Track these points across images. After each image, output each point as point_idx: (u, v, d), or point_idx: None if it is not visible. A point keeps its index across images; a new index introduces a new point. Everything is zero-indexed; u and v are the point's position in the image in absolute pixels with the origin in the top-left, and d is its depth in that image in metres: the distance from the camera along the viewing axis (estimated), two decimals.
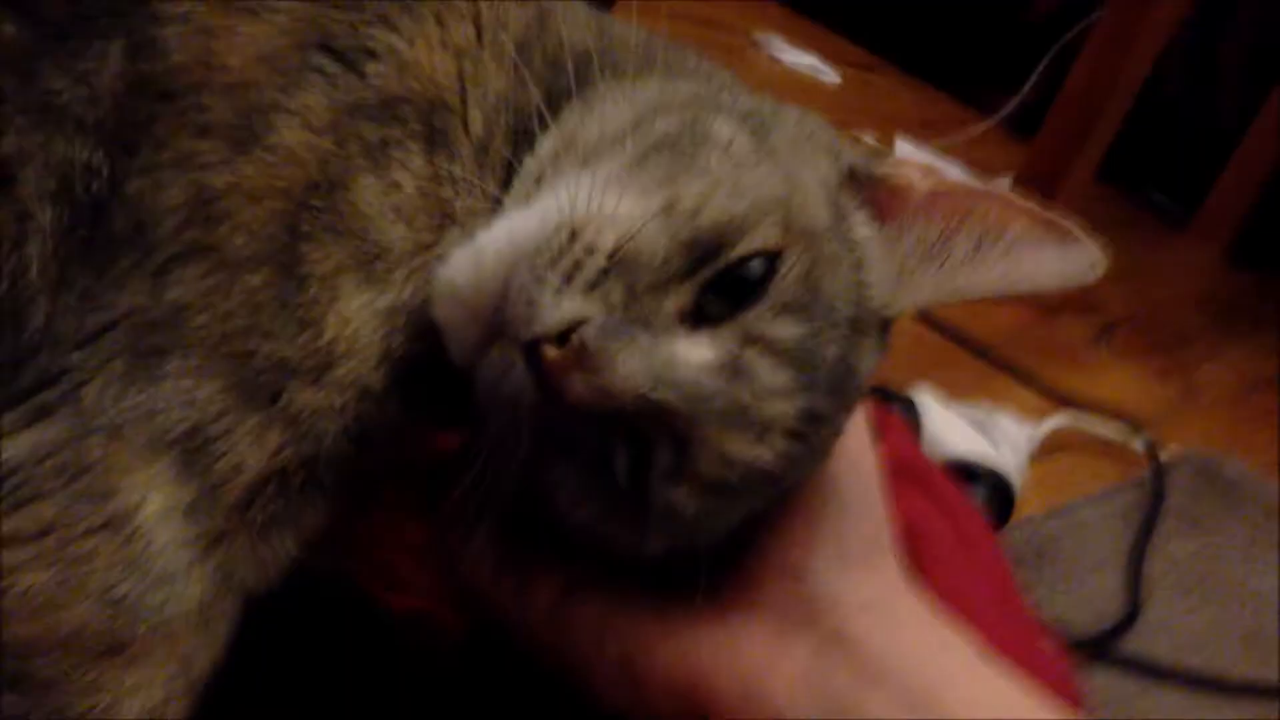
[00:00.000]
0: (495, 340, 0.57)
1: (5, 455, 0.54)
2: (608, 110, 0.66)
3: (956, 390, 1.56)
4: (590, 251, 0.56)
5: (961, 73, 3.69)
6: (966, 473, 1.30)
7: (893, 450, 1.05)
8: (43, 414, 0.55)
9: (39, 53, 0.55)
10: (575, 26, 0.70)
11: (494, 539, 0.67)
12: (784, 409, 0.59)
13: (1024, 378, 1.84)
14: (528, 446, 0.58)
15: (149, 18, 0.57)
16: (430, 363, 0.61)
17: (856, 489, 0.69)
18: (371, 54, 0.60)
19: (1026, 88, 3.21)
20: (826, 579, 0.66)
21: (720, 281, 0.59)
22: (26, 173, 0.55)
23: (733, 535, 0.64)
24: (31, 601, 0.54)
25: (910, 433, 1.22)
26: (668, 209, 0.58)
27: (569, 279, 0.56)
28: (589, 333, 0.54)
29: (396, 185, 0.60)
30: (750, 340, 0.58)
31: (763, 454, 0.59)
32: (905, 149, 2.78)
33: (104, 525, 0.55)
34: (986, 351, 1.86)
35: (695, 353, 0.57)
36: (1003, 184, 2.65)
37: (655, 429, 0.57)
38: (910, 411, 1.33)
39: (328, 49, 0.59)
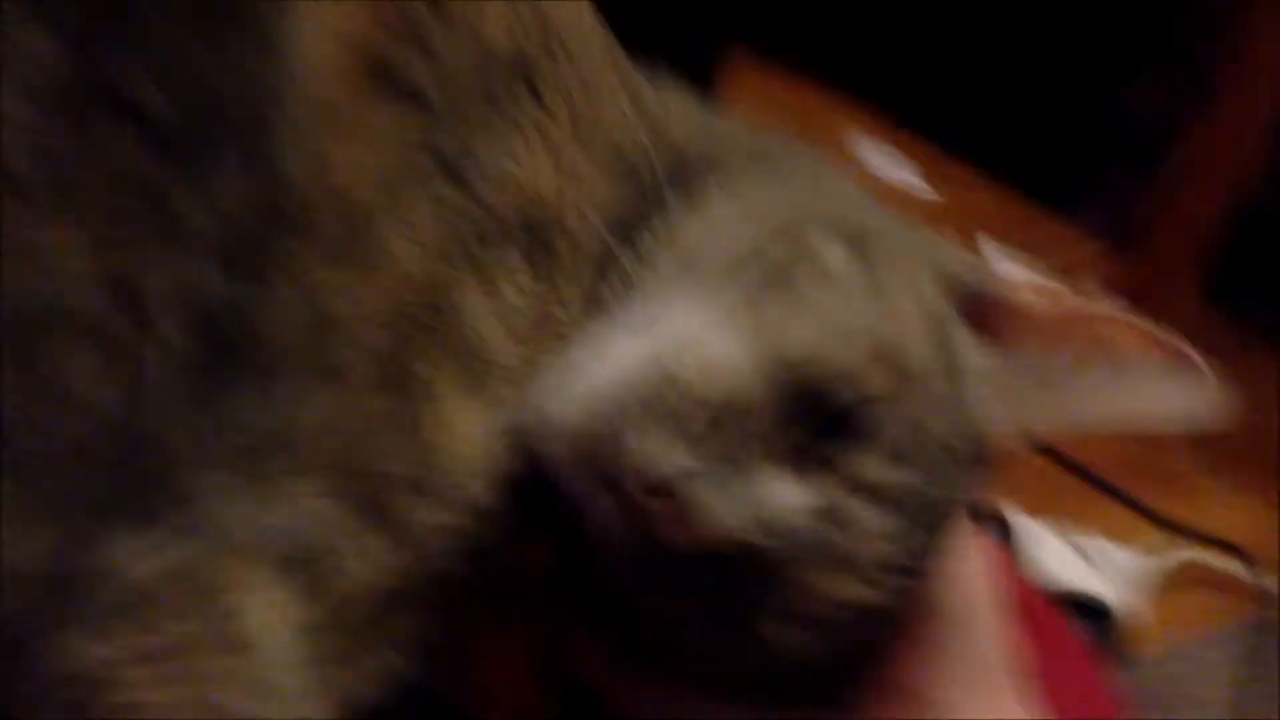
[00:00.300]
0: (597, 481, 0.57)
1: (137, 573, 0.54)
2: (717, 222, 0.66)
3: (1055, 515, 1.50)
4: (692, 400, 0.56)
5: (1059, 186, 3.66)
6: (1068, 602, 1.24)
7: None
8: (172, 533, 0.55)
9: (163, 176, 0.55)
10: (682, 125, 0.71)
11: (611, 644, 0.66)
12: (888, 550, 0.58)
13: (1130, 504, 1.76)
14: (633, 583, 0.59)
15: (265, 140, 0.57)
16: (533, 480, 0.61)
17: (979, 613, 0.68)
18: (478, 168, 0.60)
19: (1116, 190, 3.16)
20: (948, 703, 0.64)
21: (825, 429, 0.57)
22: (155, 291, 0.54)
23: (845, 655, 0.62)
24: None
25: (1011, 559, 1.17)
26: (776, 355, 0.58)
27: (673, 429, 0.55)
28: (687, 484, 0.54)
29: (503, 300, 0.60)
30: (854, 488, 0.57)
31: (867, 594, 0.58)
32: (992, 254, 2.74)
33: (228, 643, 0.54)
34: (1089, 474, 1.78)
35: (793, 498, 0.56)
36: (1113, 302, 2.60)
37: (757, 569, 0.57)
38: (1004, 534, 1.29)
39: (436, 165, 0.60)
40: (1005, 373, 0.64)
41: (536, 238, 0.62)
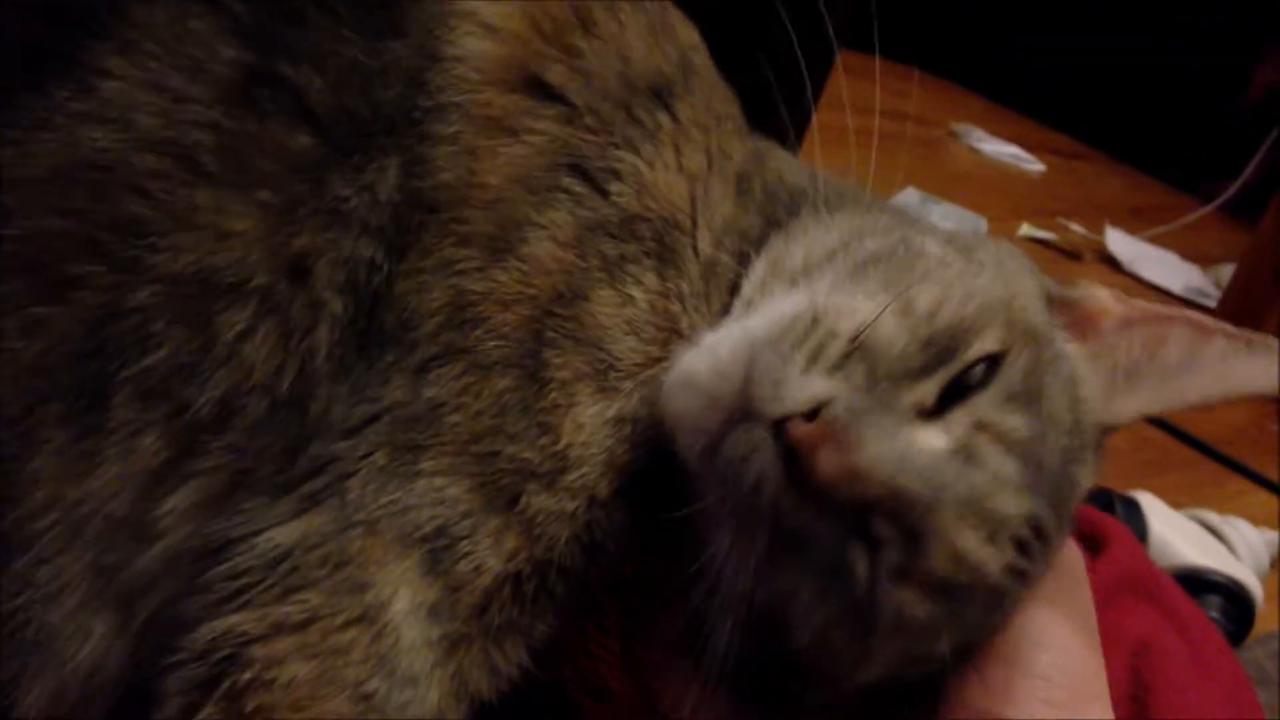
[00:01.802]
0: (738, 424, 0.57)
1: (277, 540, 0.57)
2: (813, 236, 0.68)
3: (1183, 493, 1.46)
4: (833, 335, 0.58)
5: (1174, 158, 3.56)
6: (1198, 583, 1.21)
7: (1119, 560, 0.99)
8: (312, 502, 0.58)
9: (328, 164, 0.59)
10: (789, 166, 0.75)
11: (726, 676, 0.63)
12: (1013, 507, 0.58)
13: (1258, 479, 1.71)
14: (764, 545, 0.57)
15: (421, 137, 0.61)
16: (649, 479, 0.62)
17: (1066, 628, 0.64)
18: (616, 175, 0.64)
19: (1247, 171, 3.05)
20: None
21: (954, 382, 0.59)
22: (320, 266, 0.58)
23: (933, 679, 0.61)
24: (294, 693, 0.55)
25: (1136, 541, 1.14)
26: (904, 308, 0.59)
27: (814, 359, 0.57)
28: (838, 409, 0.55)
29: (630, 299, 0.63)
30: (979, 426, 0.58)
31: (991, 558, 0.57)
32: (1116, 238, 2.68)
33: (361, 618, 0.56)
34: (1215, 451, 1.74)
35: (932, 440, 0.57)
36: (1226, 271, 2.53)
37: (886, 525, 0.56)
38: (1133, 515, 1.26)
39: (577, 169, 0.63)
40: (1095, 364, 0.67)
41: (665, 243, 0.64)
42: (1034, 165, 3.17)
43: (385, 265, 0.60)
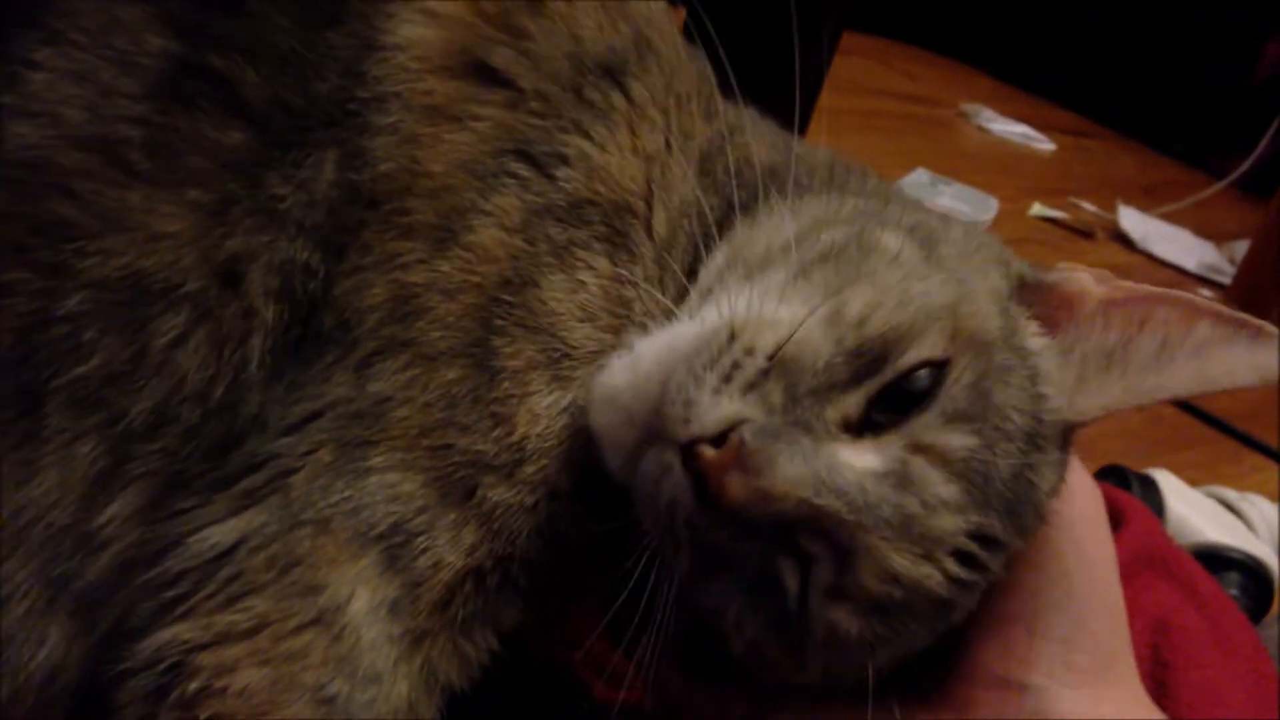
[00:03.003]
0: (652, 443, 0.56)
1: (214, 539, 0.56)
2: (773, 224, 0.65)
3: (1200, 470, 1.45)
4: (749, 352, 0.56)
5: (1185, 135, 3.54)
6: (1217, 560, 1.20)
7: (1137, 537, 0.98)
8: (251, 500, 0.57)
9: (263, 160, 0.57)
10: (763, 144, 0.71)
11: (674, 655, 0.63)
12: (953, 524, 0.56)
13: (1275, 456, 1.70)
14: (688, 561, 0.57)
15: (359, 129, 0.59)
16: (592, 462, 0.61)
17: (1089, 587, 0.63)
18: (564, 159, 0.62)
19: (1259, 148, 3.03)
20: (1051, 695, 0.60)
21: (886, 392, 0.57)
22: (253, 271, 0.57)
23: (943, 643, 0.60)
24: (249, 701, 0.54)
25: (1154, 517, 1.13)
26: (833, 316, 0.57)
27: (727, 379, 0.55)
28: (748, 433, 0.53)
29: (582, 284, 0.61)
30: (918, 448, 0.56)
31: (929, 574, 0.55)
32: (1128, 216, 2.67)
33: (315, 620, 0.55)
34: (1232, 428, 1.73)
35: (860, 459, 0.55)
36: (1240, 248, 2.51)
37: (815, 542, 0.55)
38: (1150, 493, 1.25)
39: (523, 154, 0.62)
40: (1069, 354, 0.63)
41: (615, 228, 0.63)
42: (1044, 144, 3.15)
43: (321, 269, 0.58)
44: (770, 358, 0.55)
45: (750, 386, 0.55)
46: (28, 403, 0.54)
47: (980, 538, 0.57)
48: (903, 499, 0.55)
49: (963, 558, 0.57)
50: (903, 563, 0.55)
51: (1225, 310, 0.59)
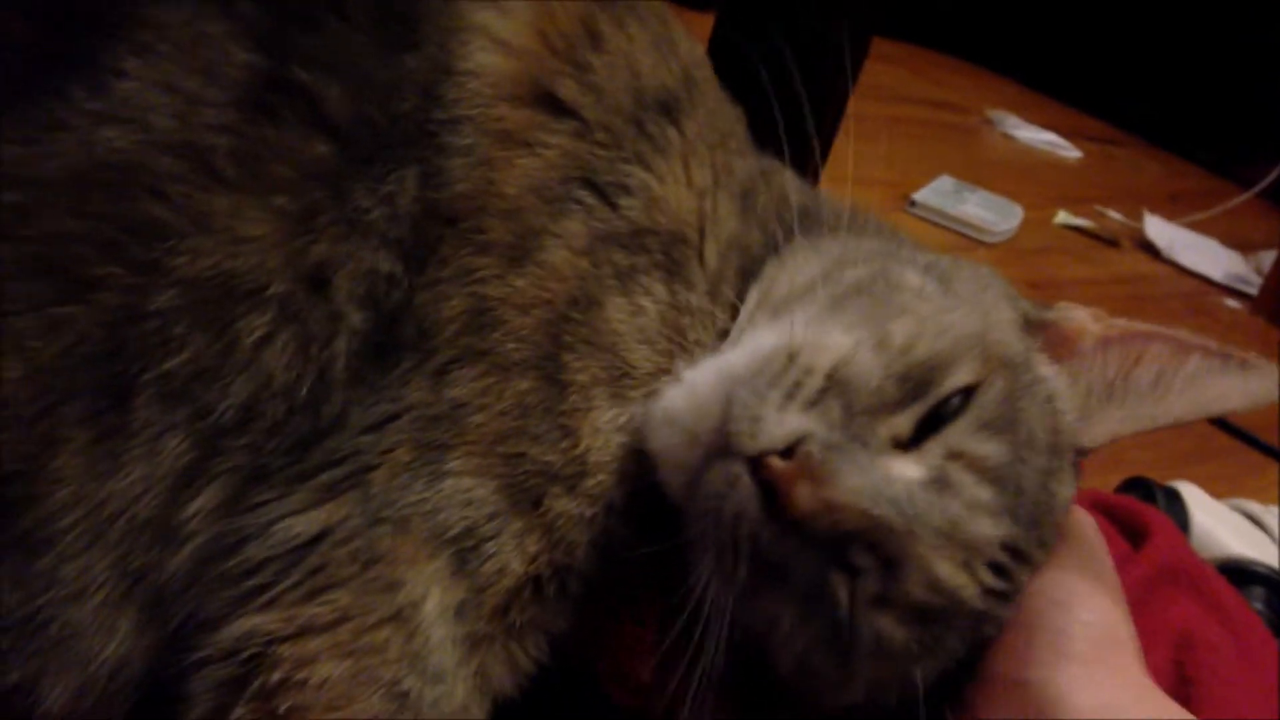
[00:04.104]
0: (716, 460, 0.58)
1: (296, 529, 0.57)
2: (800, 263, 0.69)
3: (1223, 483, 1.44)
4: (809, 371, 0.59)
5: (1212, 143, 3.52)
6: (1241, 574, 1.19)
7: (1161, 551, 0.98)
8: (331, 493, 0.58)
9: (347, 173, 0.59)
10: (793, 185, 0.76)
11: (720, 684, 0.64)
12: (989, 531, 0.59)
13: None
14: (745, 574, 0.59)
15: (437, 149, 0.61)
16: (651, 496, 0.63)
17: (1083, 580, 0.65)
18: (626, 189, 0.65)
19: None
20: (1047, 686, 0.60)
21: (929, 416, 0.60)
22: (340, 278, 0.59)
23: (973, 657, 0.62)
24: (329, 693, 0.55)
25: (1179, 532, 1.13)
26: (880, 342, 0.61)
27: (790, 396, 0.58)
28: (814, 446, 0.56)
29: (641, 309, 0.64)
30: (953, 455, 0.59)
31: (967, 584, 0.59)
32: (1154, 225, 2.65)
33: (394, 616, 0.57)
34: (1256, 439, 1.71)
35: (907, 470, 0.58)
36: (1267, 258, 2.49)
37: (864, 554, 0.58)
38: (1175, 505, 1.24)
39: (589, 183, 0.64)
40: (1074, 384, 0.67)
41: (672, 257, 0.65)
42: (1070, 152, 3.13)
43: (405, 280, 0.60)
44: (829, 376, 0.59)
45: (812, 403, 0.58)
46: (117, 396, 0.55)
47: (1010, 549, 0.60)
48: (945, 503, 0.58)
49: (996, 569, 0.60)
50: (946, 569, 0.58)
51: (1213, 344, 0.64)
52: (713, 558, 0.59)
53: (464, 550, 0.58)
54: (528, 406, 0.60)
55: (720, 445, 0.58)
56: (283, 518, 0.57)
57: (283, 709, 0.55)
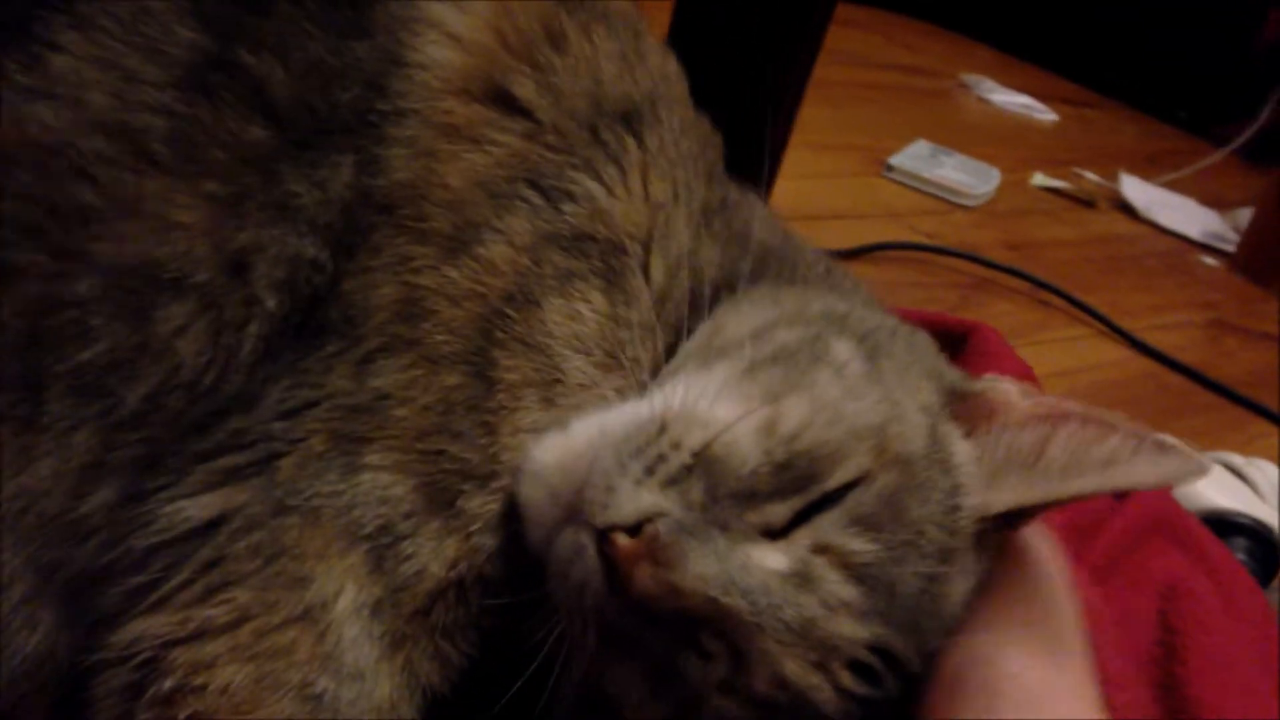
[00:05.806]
0: (568, 525, 0.56)
1: (187, 514, 0.55)
2: (746, 312, 0.67)
3: (1205, 437, 1.45)
4: (675, 446, 0.56)
5: (1187, 103, 3.53)
6: (1224, 525, 1.20)
7: (1145, 504, 0.99)
8: (230, 477, 0.56)
9: (282, 157, 0.58)
10: (761, 221, 0.74)
11: None
12: (850, 631, 0.55)
13: (1278, 421, 1.70)
14: (594, 642, 0.56)
15: (377, 139, 0.60)
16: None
17: (1038, 577, 0.63)
18: (570, 196, 0.63)
19: (1262, 115, 3.02)
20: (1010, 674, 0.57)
21: (808, 506, 0.57)
22: (260, 262, 0.57)
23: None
24: (233, 698, 0.53)
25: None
26: (767, 426, 0.57)
27: (650, 471, 0.55)
28: (662, 526, 0.53)
29: (579, 315, 0.62)
30: (819, 548, 0.56)
31: (820, 685, 0.55)
32: (1131, 185, 2.66)
33: (301, 616, 0.55)
34: (1236, 394, 1.73)
35: (768, 560, 0.55)
36: (1244, 215, 2.50)
37: (714, 640, 0.54)
38: None
39: (534, 184, 0.63)
40: (987, 452, 0.63)
41: (611, 266, 0.64)
42: (1046, 114, 3.14)
43: (330, 266, 0.59)
44: (695, 455, 0.56)
45: (672, 481, 0.55)
46: (31, 388, 0.54)
47: (880, 651, 0.56)
48: (803, 598, 0.54)
49: (859, 669, 0.56)
50: (793, 668, 0.54)
51: (1135, 427, 0.61)
52: (565, 619, 0.57)
53: (380, 548, 0.57)
54: (453, 402, 0.58)
55: (575, 510, 0.56)
56: (173, 500, 0.55)
57: (183, 716, 0.53)
